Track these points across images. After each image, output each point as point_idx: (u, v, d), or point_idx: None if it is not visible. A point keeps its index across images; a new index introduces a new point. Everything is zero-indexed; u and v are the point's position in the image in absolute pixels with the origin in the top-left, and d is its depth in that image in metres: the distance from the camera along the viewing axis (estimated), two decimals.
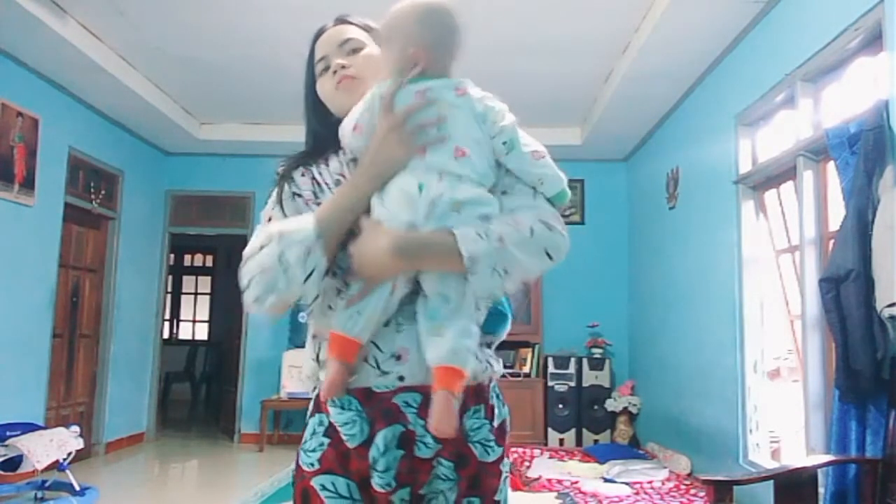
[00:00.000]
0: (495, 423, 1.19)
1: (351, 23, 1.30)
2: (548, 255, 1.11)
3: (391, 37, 1.16)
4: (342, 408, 1.13)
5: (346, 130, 1.19)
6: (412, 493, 1.12)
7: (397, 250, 1.06)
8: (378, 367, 1.12)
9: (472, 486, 1.14)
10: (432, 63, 1.14)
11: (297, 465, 1.18)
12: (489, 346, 1.23)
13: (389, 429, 1.10)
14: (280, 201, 1.20)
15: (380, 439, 1.10)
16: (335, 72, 1.23)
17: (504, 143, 1.13)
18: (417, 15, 1.15)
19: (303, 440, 1.18)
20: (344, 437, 1.12)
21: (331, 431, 1.14)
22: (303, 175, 1.23)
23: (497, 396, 1.22)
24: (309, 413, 1.20)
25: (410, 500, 1.12)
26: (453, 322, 1.08)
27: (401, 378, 1.11)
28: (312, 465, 1.14)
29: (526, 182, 1.15)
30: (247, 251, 1.12)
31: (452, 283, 1.08)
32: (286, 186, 1.22)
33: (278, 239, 1.08)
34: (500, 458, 1.18)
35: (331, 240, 1.09)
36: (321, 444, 1.14)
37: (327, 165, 1.24)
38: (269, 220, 1.19)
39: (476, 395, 1.16)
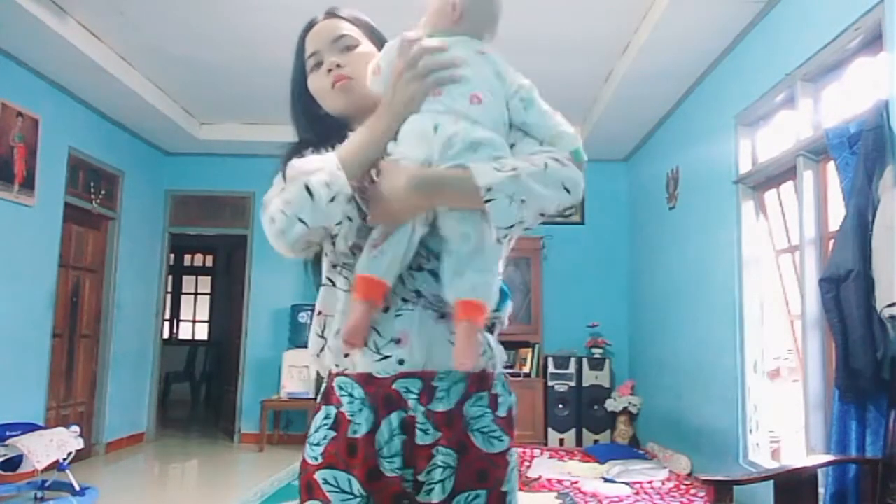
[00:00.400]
0: (500, 413, 1.17)
1: (342, 17, 1.27)
2: (565, 188, 1.11)
3: None
4: (351, 395, 1.14)
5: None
6: (414, 473, 1.12)
7: (415, 186, 1.06)
8: (378, 351, 1.13)
9: (479, 479, 1.13)
10: (466, 22, 1.18)
11: (303, 458, 1.17)
12: (490, 330, 1.23)
13: (393, 415, 1.11)
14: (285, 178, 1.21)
15: (385, 427, 1.11)
16: (329, 70, 1.22)
17: (522, 99, 1.17)
18: None
19: (309, 433, 1.18)
20: (352, 428, 1.12)
21: (336, 424, 1.14)
22: (312, 151, 1.23)
23: (503, 385, 1.21)
24: (316, 405, 1.20)
25: (413, 482, 1.12)
26: (471, 259, 1.08)
27: (400, 362, 1.12)
28: (316, 458, 1.14)
29: (541, 138, 1.18)
30: (267, 196, 1.14)
31: (471, 222, 1.08)
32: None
33: (300, 174, 1.10)
34: (507, 449, 1.16)
35: (351, 176, 1.10)
36: (325, 438, 1.14)
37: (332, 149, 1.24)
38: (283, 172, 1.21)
39: (479, 383, 1.16)
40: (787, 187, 3.72)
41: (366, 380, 1.14)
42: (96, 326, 5.79)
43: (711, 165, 4.49)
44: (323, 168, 1.10)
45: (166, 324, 9.44)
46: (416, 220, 1.10)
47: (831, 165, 3.01)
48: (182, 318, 10.87)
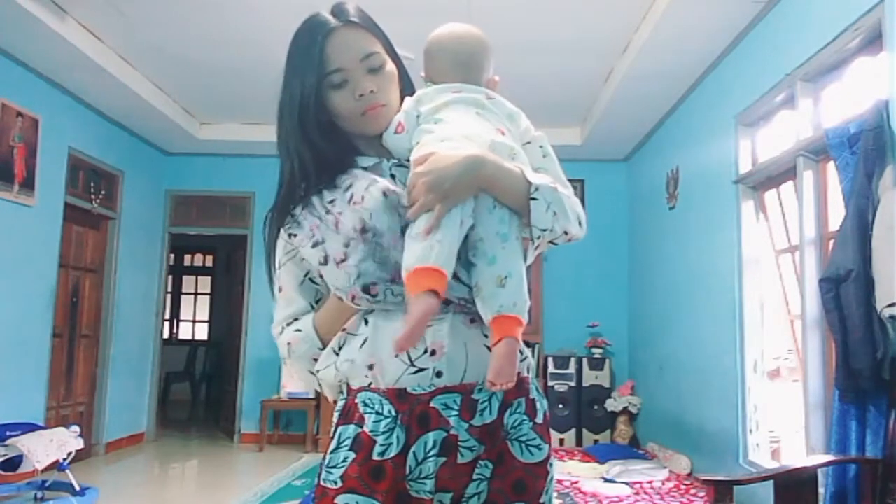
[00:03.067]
0: (538, 420, 1.12)
1: (362, 25, 1.18)
2: (578, 221, 1.14)
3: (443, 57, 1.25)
4: (379, 413, 1.06)
5: (387, 135, 1.18)
6: (453, 498, 1.07)
7: (475, 162, 1.04)
8: (411, 363, 1.06)
9: (515, 490, 1.08)
10: (469, 73, 1.24)
11: (318, 483, 1.09)
12: None
13: (430, 435, 1.05)
14: (286, 258, 1.18)
15: (418, 448, 1.04)
16: (361, 95, 1.14)
17: (541, 147, 1.22)
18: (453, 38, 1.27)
19: (325, 454, 1.11)
20: (378, 449, 1.05)
21: (357, 444, 1.06)
22: (303, 209, 1.15)
23: (537, 389, 1.16)
24: (335, 424, 1.12)
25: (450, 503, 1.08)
26: (511, 265, 1.06)
27: (438, 374, 1.05)
28: (335, 482, 1.06)
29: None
30: (274, 324, 1.22)
31: (509, 224, 1.08)
32: (285, 236, 1.16)
33: (288, 351, 1.18)
34: (547, 458, 1.12)
35: (332, 337, 1.15)
36: (345, 460, 1.06)
37: (333, 188, 1.14)
38: (280, 289, 1.21)
39: (517, 389, 1.09)
40: (787, 187, 3.72)
41: (398, 396, 1.06)
42: (96, 326, 5.79)
43: (711, 165, 4.49)
44: (304, 343, 1.16)
45: (166, 324, 9.43)
46: (463, 210, 1.04)
47: (831, 165, 3.01)
48: (182, 318, 10.87)
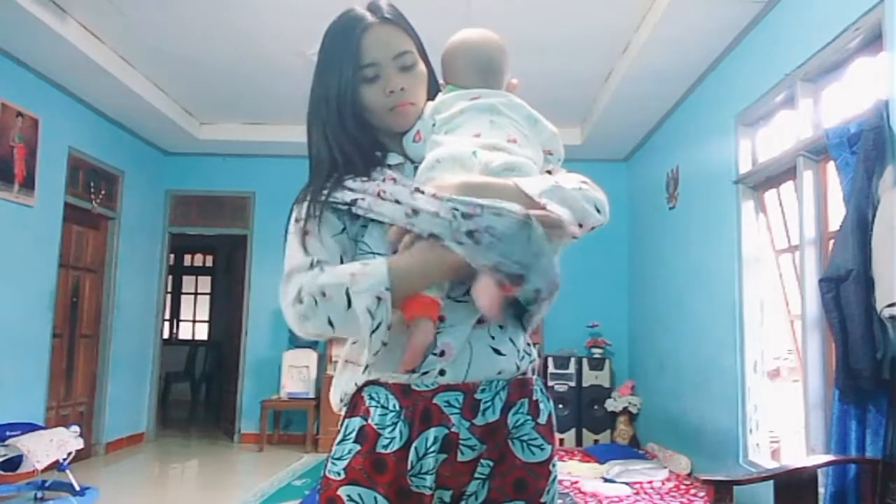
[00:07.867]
0: (541, 420, 1.13)
1: (397, 24, 1.19)
2: (596, 208, 1.13)
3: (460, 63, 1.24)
4: (384, 407, 1.08)
5: (407, 142, 1.20)
6: (453, 495, 1.09)
7: (465, 184, 1.05)
8: (415, 369, 1.07)
9: (516, 489, 1.09)
10: (489, 77, 1.24)
11: (324, 474, 1.10)
12: (524, 327, 1.16)
13: (431, 431, 1.06)
14: (318, 213, 1.09)
15: (420, 443, 1.06)
16: (392, 91, 1.16)
17: (559, 160, 1.23)
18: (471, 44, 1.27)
19: (332, 446, 1.12)
20: (382, 442, 1.06)
21: (361, 437, 1.08)
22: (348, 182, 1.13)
23: (541, 391, 1.17)
24: (342, 416, 1.14)
25: (451, 501, 1.09)
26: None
27: (441, 372, 1.07)
28: (339, 474, 1.07)
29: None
30: (289, 264, 1.07)
31: None
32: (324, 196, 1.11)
33: (350, 279, 1.01)
34: (549, 458, 1.12)
35: (399, 295, 1.02)
36: (349, 452, 1.08)
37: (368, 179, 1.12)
38: (306, 233, 1.09)
39: (520, 390, 1.12)
40: (787, 187, 3.72)
41: (402, 391, 1.08)
42: (96, 326, 5.79)
43: (711, 165, 4.49)
44: (372, 277, 1.00)
45: (166, 324, 9.44)
46: None
47: (831, 165, 3.01)
48: (182, 318, 10.87)
